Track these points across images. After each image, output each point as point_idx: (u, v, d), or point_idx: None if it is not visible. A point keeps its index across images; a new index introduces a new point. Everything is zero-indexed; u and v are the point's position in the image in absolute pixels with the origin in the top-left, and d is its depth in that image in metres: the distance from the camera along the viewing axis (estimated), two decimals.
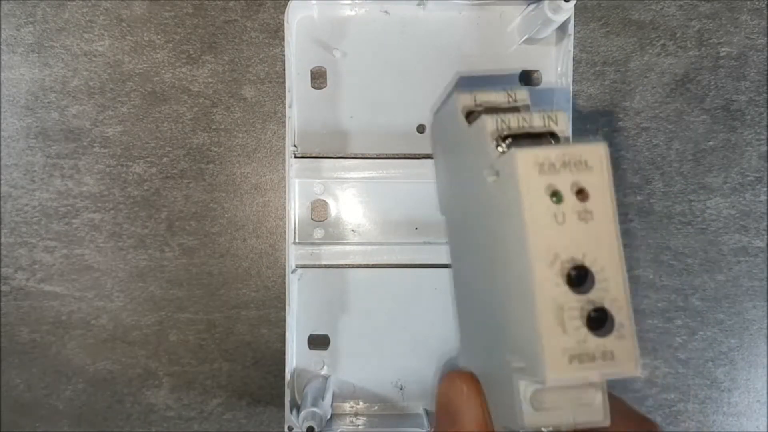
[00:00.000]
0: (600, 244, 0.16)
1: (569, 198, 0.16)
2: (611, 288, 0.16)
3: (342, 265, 0.30)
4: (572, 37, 0.29)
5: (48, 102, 0.31)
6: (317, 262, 0.30)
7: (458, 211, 0.24)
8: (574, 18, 0.28)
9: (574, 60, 0.29)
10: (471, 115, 0.20)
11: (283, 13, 0.28)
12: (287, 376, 0.29)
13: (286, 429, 0.28)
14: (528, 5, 0.29)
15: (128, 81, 0.31)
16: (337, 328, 0.30)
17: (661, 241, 0.32)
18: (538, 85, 0.30)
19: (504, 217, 0.17)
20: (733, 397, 0.32)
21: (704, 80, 0.31)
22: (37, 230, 0.31)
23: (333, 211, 0.30)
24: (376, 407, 0.30)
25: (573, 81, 0.29)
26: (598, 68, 0.31)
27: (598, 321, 0.16)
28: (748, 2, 0.31)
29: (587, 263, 0.16)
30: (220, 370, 0.32)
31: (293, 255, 0.29)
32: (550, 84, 0.30)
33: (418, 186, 0.29)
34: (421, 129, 0.30)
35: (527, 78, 0.30)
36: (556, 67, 0.30)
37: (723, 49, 0.31)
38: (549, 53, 0.30)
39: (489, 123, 0.18)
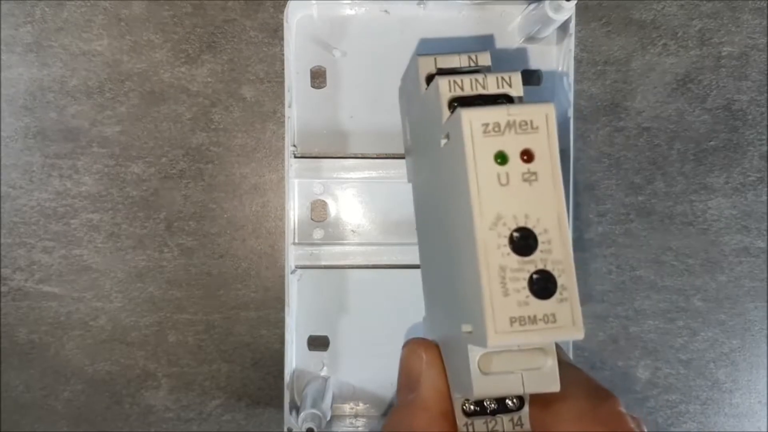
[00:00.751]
0: (544, 206, 0.16)
1: (515, 160, 0.16)
2: (554, 250, 0.16)
3: (342, 265, 0.30)
4: (573, 37, 0.29)
5: (46, 102, 0.31)
6: (317, 263, 0.29)
7: (420, 179, 0.23)
8: (575, 17, 0.28)
9: (575, 59, 0.29)
10: (430, 80, 0.20)
11: (282, 12, 0.28)
12: (286, 377, 0.29)
13: (285, 430, 0.28)
14: (529, 4, 0.28)
15: (127, 81, 0.31)
16: (337, 329, 0.30)
17: (663, 242, 0.31)
18: (538, 84, 0.30)
19: (453, 181, 0.17)
20: (734, 398, 0.32)
21: (706, 80, 0.31)
22: (35, 231, 0.31)
23: (333, 211, 0.30)
24: (375, 409, 0.30)
25: (574, 80, 0.29)
26: (599, 68, 0.31)
27: (541, 284, 0.16)
28: (750, 2, 0.31)
29: (530, 225, 0.16)
30: (219, 371, 0.32)
31: (293, 255, 0.29)
32: (551, 84, 0.29)
33: None
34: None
35: (528, 77, 0.30)
36: (557, 66, 0.29)
37: (724, 49, 0.31)
38: (550, 53, 0.30)
39: (442, 84, 0.18)
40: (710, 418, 0.32)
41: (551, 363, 0.17)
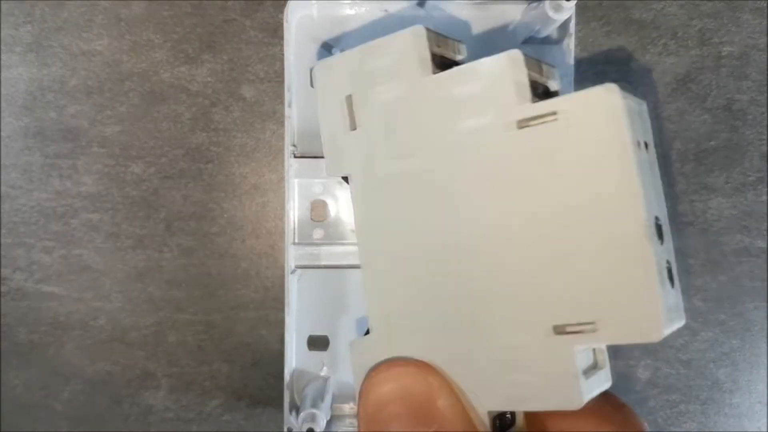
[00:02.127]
0: (660, 195, 0.16)
1: (643, 149, 0.15)
2: (669, 240, 0.16)
3: (342, 265, 0.30)
4: (573, 37, 0.29)
5: (46, 102, 0.31)
6: (317, 263, 0.29)
7: (394, 169, 0.20)
8: (575, 17, 0.28)
9: (575, 59, 0.29)
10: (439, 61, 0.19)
11: (282, 12, 0.28)
12: (286, 378, 0.29)
13: (285, 430, 0.28)
14: (529, 4, 0.28)
15: (127, 80, 0.31)
16: (337, 329, 0.30)
17: None
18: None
19: (560, 170, 0.16)
20: (734, 398, 0.32)
21: (706, 80, 0.31)
22: (35, 230, 0.31)
23: (333, 211, 0.30)
24: None
25: (574, 80, 0.29)
26: (599, 68, 0.31)
27: (670, 273, 0.15)
28: (750, 1, 0.31)
29: (655, 213, 0.15)
30: (219, 371, 0.32)
31: (292, 255, 0.29)
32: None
33: None
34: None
35: None
36: (557, 66, 0.29)
37: (725, 49, 0.31)
38: (550, 53, 0.30)
39: (519, 60, 0.17)
40: (710, 418, 0.32)
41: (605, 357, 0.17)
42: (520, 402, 0.17)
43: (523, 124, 0.17)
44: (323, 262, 0.29)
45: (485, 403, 0.17)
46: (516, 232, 0.17)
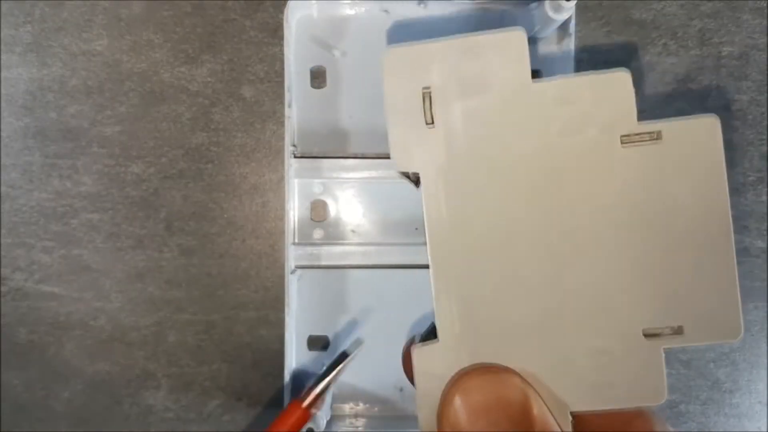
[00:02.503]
0: None
1: None
2: None
3: (342, 265, 0.30)
4: (573, 37, 0.29)
5: (46, 102, 0.31)
6: (317, 263, 0.29)
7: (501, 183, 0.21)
8: (575, 17, 0.28)
9: (575, 59, 0.29)
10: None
11: (282, 12, 0.28)
12: (286, 377, 0.29)
13: None
14: (529, 4, 0.28)
15: (127, 80, 0.31)
16: (337, 329, 0.30)
17: None
18: None
19: (669, 183, 0.18)
20: (734, 398, 0.32)
21: (706, 80, 0.31)
22: (35, 230, 0.31)
23: (333, 211, 0.30)
24: (375, 409, 0.30)
25: None
26: (599, 68, 0.31)
27: None
28: (750, 2, 0.31)
29: None
30: (219, 371, 0.32)
31: (292, 255, 0.29)
32: None
33: None
34: None
35: None
36: (558, 66, 0.29)
37: (724, 49, 0.31)
38: (550, 53, 0.30)
39: (628, 80, 0.19)
40: (710, 418, 0.32)
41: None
42: (608, 401, 0.18)
43: (626, 140, 0.19)
44: (323, 262, 0.29)
45: (572, 405, 0.18)
46: (611, 239, 0.19)
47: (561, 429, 0.18)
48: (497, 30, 0.20)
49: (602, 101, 0.19)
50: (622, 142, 0.19)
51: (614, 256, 0.19)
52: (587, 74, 0.19)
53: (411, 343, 0.20)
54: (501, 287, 0.20)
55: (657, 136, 0.19)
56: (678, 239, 0.18)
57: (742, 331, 0.17)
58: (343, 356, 0.29)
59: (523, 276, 0.19)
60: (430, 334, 0.20)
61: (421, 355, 0.20)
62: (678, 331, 0.18)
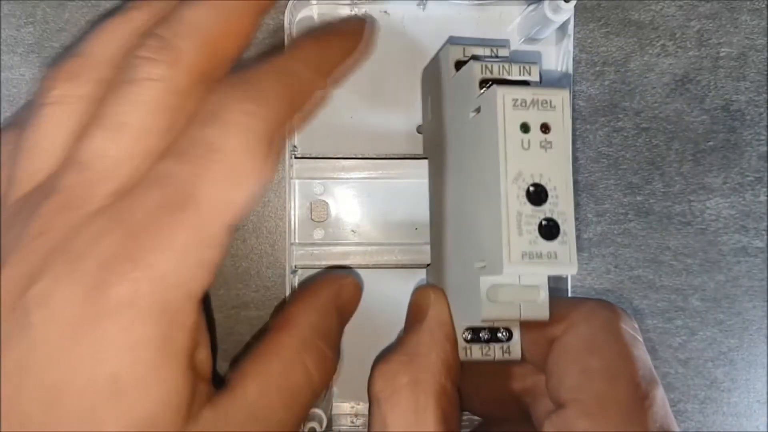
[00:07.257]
0: (555, 168, 0.20)
1: (535, 130, 0.20)
2: (560, 204, 0.20)
3: (342, 265, 0.30)
4: (572, 38, 0.29)
5: None
6: (317, 263, 0.30)
7: (438, 146, 0.27)
8: (574, 18, 0.28)
9: (573, 60, 0.29)
10: (459, 64, 0.24)
11: (282, 13, 0.28)
12: None
13: None
14: (528, 5, 0.29)
15: None
16: None
17: (661, 242, 0.32)
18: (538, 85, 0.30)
19: (481, 145, 0.22)
20: (732, 398, 0.32)
21: (704, 80, 0.31)
22: None
23: (333, 211, 0.30)
24: None
25: (573, 81, 0.29)
26: (597, 68, 0.31)
27: (547, 229, 0.20)
28: (748, 2, 0.31)
29: (543, 182, 0.20)
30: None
31: (293, 255, 0.29)
32: (550, 84, 0.30)
33: (418, 186, 0.29)
34: (421, 129, 0.30)
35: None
36: (556, 67, 0.30)
37: (723, 50, 0.31)
38: (549, 54, 0.30)
39: (476, 67, 0.22)
40: (709, 417, 0.32)
41: (543, 296, 0.22)
42: (460, 318, 0.24)
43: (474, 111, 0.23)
44: (323, 262, 0.30)
45: (456, 318, 0.24)
46: (471, 194, 0.23)
47: (446, 330, 0.24)
48: None
49: (463, 84, 0.24)
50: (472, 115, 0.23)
51: (464, 209, 0.24)
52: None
53: None
54: (437, 229, 0.28)
55: (478, 110, 0.22)
56: (484, 195, 0.21)
57: (505, 269, 0.20)
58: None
59: (438, 229, 0.28)
60: None
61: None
62: (483, 265, 0.21)
